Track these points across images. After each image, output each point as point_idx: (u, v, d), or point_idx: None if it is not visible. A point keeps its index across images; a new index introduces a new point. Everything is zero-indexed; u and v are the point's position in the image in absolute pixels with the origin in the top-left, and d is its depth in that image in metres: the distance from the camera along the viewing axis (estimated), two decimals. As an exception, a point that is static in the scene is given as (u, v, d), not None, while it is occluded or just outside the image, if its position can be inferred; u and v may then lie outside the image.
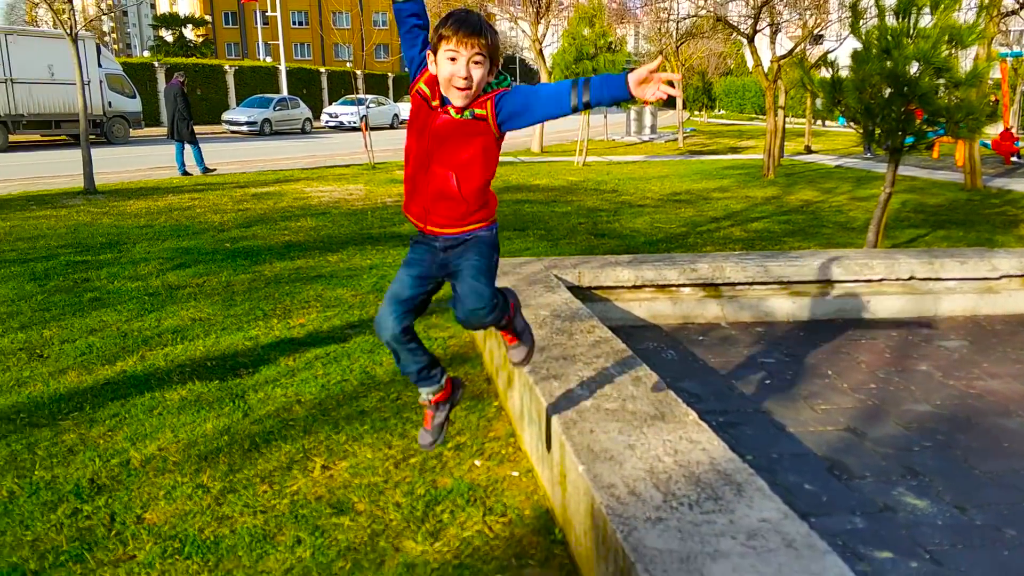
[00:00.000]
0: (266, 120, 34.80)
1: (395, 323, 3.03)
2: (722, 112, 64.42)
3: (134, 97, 30.19)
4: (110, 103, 28.68)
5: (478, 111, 2.69)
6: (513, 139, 31.80)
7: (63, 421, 4.60)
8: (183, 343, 5.97)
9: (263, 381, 5.19)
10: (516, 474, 3.96)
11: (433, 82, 2.73)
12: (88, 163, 14.28)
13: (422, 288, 3.09)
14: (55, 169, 18.74)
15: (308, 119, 37.61)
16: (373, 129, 25.98)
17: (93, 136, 14.91)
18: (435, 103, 2.73)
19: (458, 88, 2.63)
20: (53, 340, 6.03)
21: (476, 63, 2.58)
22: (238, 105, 39.61)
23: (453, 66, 2.59)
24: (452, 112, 2.72)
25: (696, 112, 54.55)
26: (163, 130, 32.96)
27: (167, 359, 5.61)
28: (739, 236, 10.55)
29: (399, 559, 3.26)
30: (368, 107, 34.90)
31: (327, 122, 39.71)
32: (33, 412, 4.72)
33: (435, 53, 2.66)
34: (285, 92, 44.25)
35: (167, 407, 4.77)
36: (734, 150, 26.73)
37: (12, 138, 25.94)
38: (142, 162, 20.98)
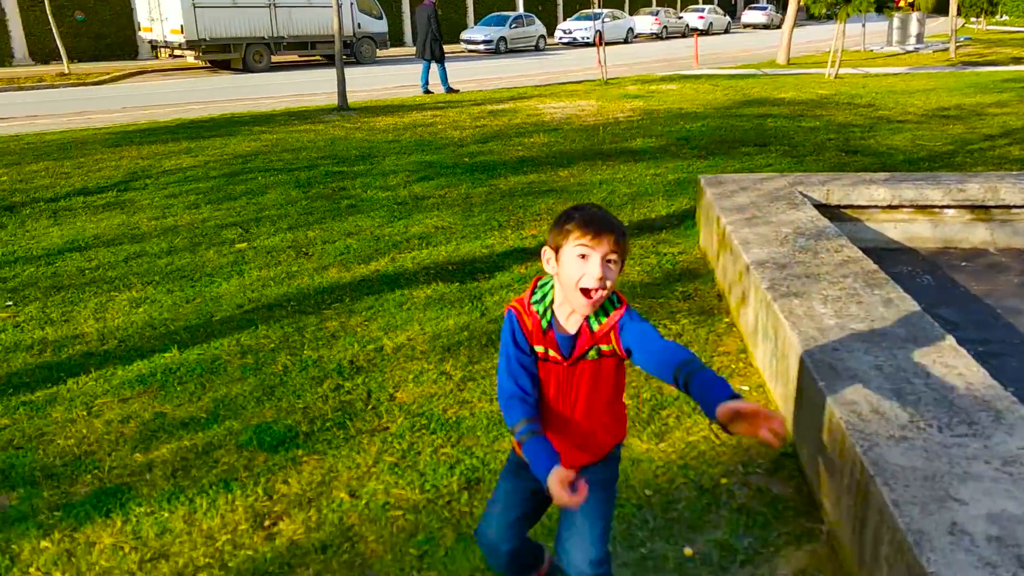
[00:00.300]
0: (502, 38, 35.47)
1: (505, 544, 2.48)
2: (1005, 18, 56.50)
3: (381, 19, 31.95)
4: (359, 24, 30.55)
5: (604, 347, 2.19)
6: (756, 51, 29.94)
7: (326, 310, 5.20)
8: (427, 248, 6.46)
9: (498, 285, 5.52)
10: (746, 388, 3.95)
11: (534, 329, 2.22)
12: (341, 81, 15.44)
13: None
14: (312, 88, 20.47)
15: (542, 36, 37.83)
16: (607, 44, 25.69)
17: (344, 56, 16.02)
18: (551, 353, 2.22)
19: (587, 292, 2.10)
20: (316, 240, 6.76)
21: (610, 263, 2.10)
22: (476, 24, 40.70)
23: (584, 265, 2.08)
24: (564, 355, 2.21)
25: (972, 19, 48.32)
26: (406, 50, 34.78)
27: (414, 261, 6.12)
28: (1017, 156, 9.41)
29: (624, 453, 3.41)
30: (603, 22, 34.48)
31: (561, 38, 39.72)
32: (301, 301, 5.37)
33: (557, 251, 2.14)
34: (521, 10, 44.77)
35: (414, 303, 5.24)
36: (1017, 60, 23.50)
37: (274, 59, 28.58)
38: (388, 81, 22.32)
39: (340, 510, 3.16)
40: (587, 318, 2.17)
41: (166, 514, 3.17)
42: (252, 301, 5.41)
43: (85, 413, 4.00)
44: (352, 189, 8.63)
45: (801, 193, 6.03)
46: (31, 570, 2.89)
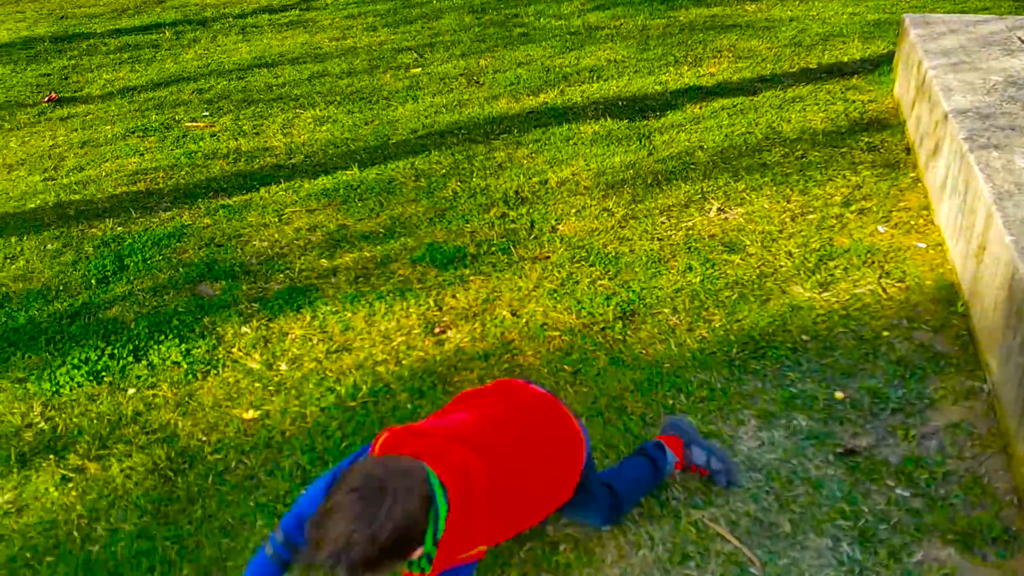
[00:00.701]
0: None
1: None
2: None
3: None
4: None
5: None
6: None
7: (494, 140, 5.39)
8: (598, 82, 6.44)
9: (668, 125, 5.49)
10: (923, 246, 3.85)
11: None
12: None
13: None
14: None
15: None
16: None
17: None
18: None
19: None
20: (487, 69, 6.88)
21: None
22: None
23: None
24: None
25: None
26: None
27: (583, 95, 6.14)
28: None
29: (785, 300, 3.48)
30: None
31: None
32: (471, 130, 5.58)
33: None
34: None
35: (581, 138, 5.33)
36: None
37: None
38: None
39: (502, 326, 3.46)
40: None
41: (349, 314, 3.58)
42: (425, 127, 5.67)
43: (276, 220, 4.47)
44: (525, 17, 8.58)
45: (1020, 39, 5.50)
46: (234, 351, 3.39)
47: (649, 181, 4.68)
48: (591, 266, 3.86)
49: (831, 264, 3.74)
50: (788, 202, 4.34)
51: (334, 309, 3.63)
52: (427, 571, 1.79)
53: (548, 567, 2.35)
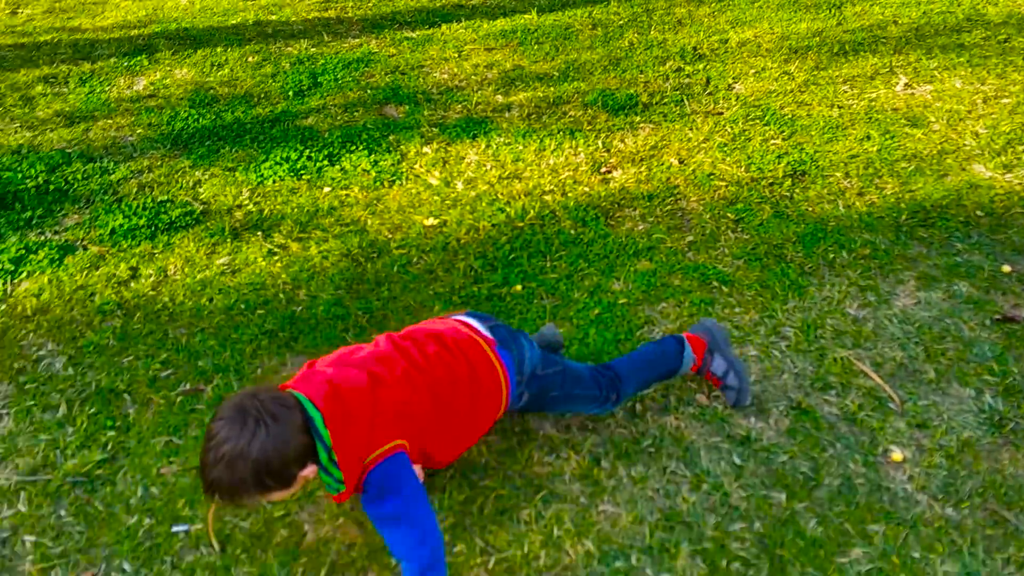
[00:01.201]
0: None
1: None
2: None
3: None
4: None
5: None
6: None
7: (676, -2, 5.44)
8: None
9: (864, -3, 5.36)
10: None
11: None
12: None
13: None
14: None
15: None
16: None
17: None
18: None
19: None
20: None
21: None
22: None
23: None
24: None
25: None
26: None
27: (773, -40, 6.02)
28: None
29: (963, 176, 3.50)
30: None
31: None
32: (652, -14, 5.63)
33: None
34: None
35: (767, 1, 5.27)
36: None
37: None
38: None
39: (668, 171, 3.64)
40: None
41: (520, 146, 3.85)
42: (605, -21, 5.76)
43: (456, 55, 4.74)
44: None
45: None
46: (416, 167, 3.73)
47: (835, 50, 4.64)
48: (765, 125, 3.95)
49: (1019, 149, 3.69)
50: (982, 84, 4.23)
51: (507, 141, 3.90)
52: (343, 485, 1.88)
53: (693, 379, 2.62)
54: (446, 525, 2.14)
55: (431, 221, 3.37)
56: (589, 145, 3.86)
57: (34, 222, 3.38)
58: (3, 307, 2.91)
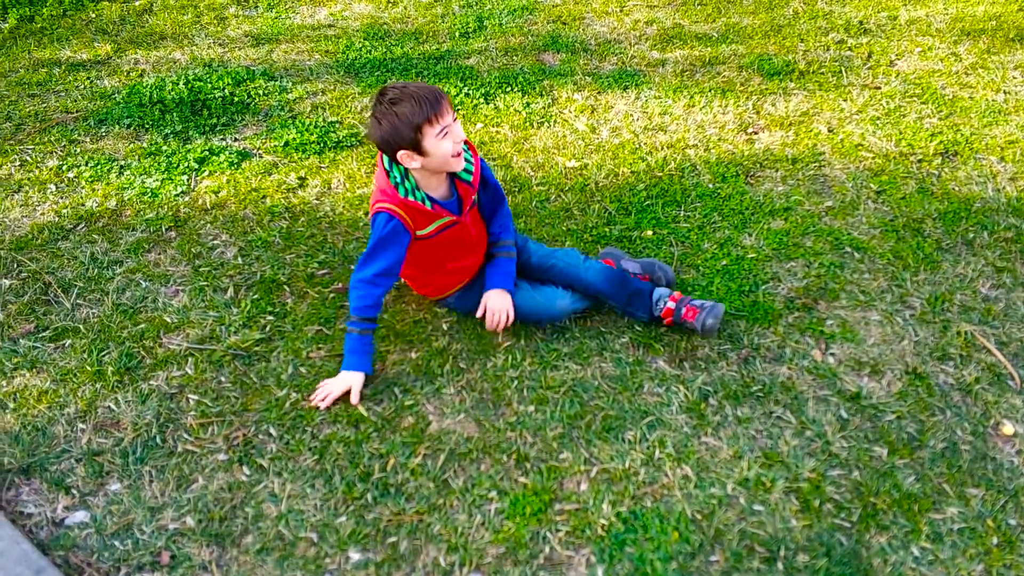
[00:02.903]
0: None
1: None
2: None
3: None
4: None
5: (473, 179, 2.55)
6: None
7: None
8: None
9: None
10: None
11: (418, 216, 2.43)
12: None
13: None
14: None
15: None
16: None
17: None
18: (445, 220, 2.49)
19: (460, 153, 2.38)
20: None
21: (456, 120, 2.36)
22: None
23: (449, 137, 2.31)
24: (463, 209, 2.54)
25: None
26: None
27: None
28: None
29: None
30: None
31: None
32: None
33: (417, 147, 2.29)
34: None
35: (946, -21, 5.06)
36: None
37: None
38: None
39: (815, 138, 3.61)
40: (453, 176, 2.48)
41: (669, 101, 3.89)
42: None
43: (618, 9, 4.79)
44: None
45: None
46: (564, 112, 3.85)
47: (1011, 35, 4.40)
48: (923, 104, 3.83)
49: None
50: None
51: (657, 95, 3.95)
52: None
53: (812, 335, 2.65)
54: (555, 434, 2.30)
55: (573, 163, 3.49)
56: (739, 106, 3.85)
57: (218, 129, 3.72)
58: (187, 199, 3.25)
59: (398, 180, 2.34)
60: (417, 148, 2.26)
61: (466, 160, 2.42)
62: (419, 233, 2.39)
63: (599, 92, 3.99)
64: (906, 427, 2.33)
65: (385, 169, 2.37)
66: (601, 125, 3.74)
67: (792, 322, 2.69)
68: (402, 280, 2.72)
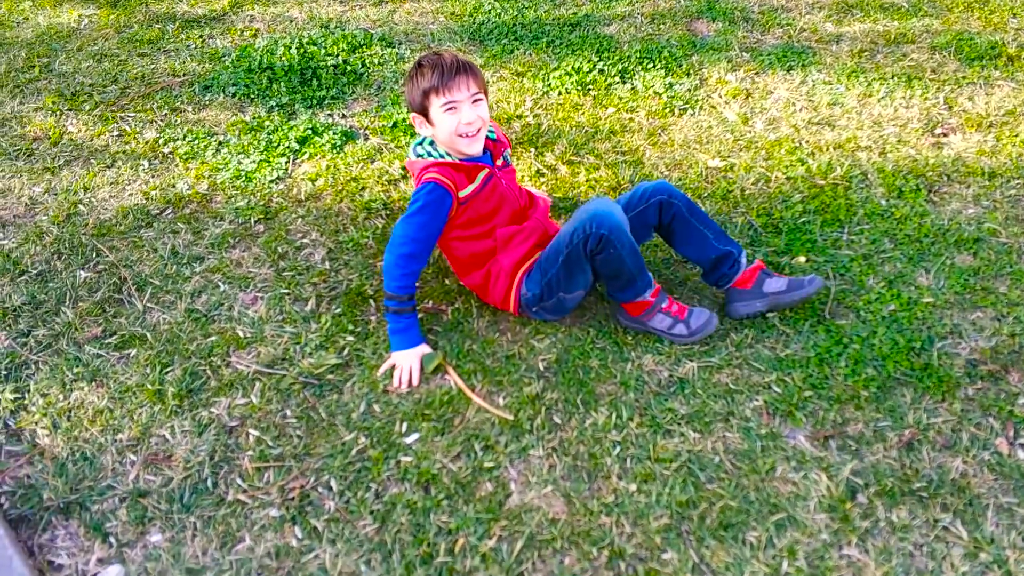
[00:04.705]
0: None
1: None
2: None
3: None
4: None
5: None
6: None
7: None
8: None
9: None
10: None
11: (457, 177, 2.36)
12: None
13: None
14: None
15: None
16: None
17: None
18: (483, 175, 2.39)
19: (468, 135, 2.33)
20: None
21: (477, 102, 2.33)
22: None
23: (457, 115, 2.30)
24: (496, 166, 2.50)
25: None
26: None
27: None
28: None
29: None
30: None
31: None
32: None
33: (425, 114, 2.36)
34: None
35: None
36: None
37: None
38: None
39: (1021, 147, 2.96)
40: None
41: (842, 88, 3.32)
42: None
43: (788, -30, 4.19)
44: None
45: None
46: (713, 97, 3.34)
47: None
48: None
49: None
50: None
51: (827, 79, 3.38)
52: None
53: (997, 416, 2.14)
54: (660, 525, 1.92)
55: (716, 162, 3.01)
56: (928, 98, 3.24)
57: (326, 102, 3.45)
58: (281, 187, 3.00)
59: (427, 152, 2.37)
60: (426, 115, 2.33)
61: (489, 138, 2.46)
62: (462, 194, 2.33)
63: (757, 73, 3.45)
64: (1123, 572, 1.82)
65: (416, 152, 2.43)
66: (756, 115, 3.22)
67: (973, 395, 2.17)
68: (476, 297, 2.48)
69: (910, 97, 3.25)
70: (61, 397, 2.25)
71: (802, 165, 2.95)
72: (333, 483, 2.02)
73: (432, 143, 2.38)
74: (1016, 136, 3.01)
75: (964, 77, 3.33)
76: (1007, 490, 1.96)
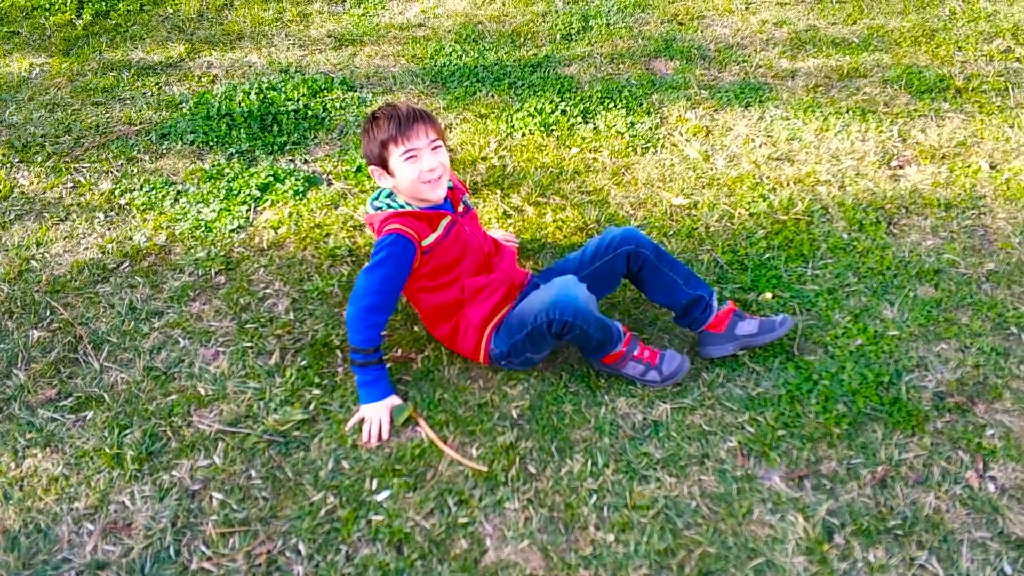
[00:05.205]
0: None
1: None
2: None
3: None
4: None
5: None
6: None
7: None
8: None
9: None
10: None
11: (419, 226, 2.33)
12: None
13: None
14: None
15: None
16: None
17: None
18: (445, 223, 2.36)
19: (431, 181, 2.31)
20: None
21: (436, 148, 2.33)
22: None
23: (417, 163, 2.28)
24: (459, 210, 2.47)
25: None
26: None
27: None
28: None
29: None
30: None
31: None
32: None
33: (384, 165, 2.33)
34: None
35: None
36: None
37: None
38: None
39: (974, 177, 3.02)
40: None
41: (799, 123, 3.35)
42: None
43: (743, 7, 4.24)
44: None
45: None
46: (675, 135, 3.35)
47: None
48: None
49: None
50: None
51: (784, 114, 3.41)
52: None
53: (966, 448, 2.15)
54: (637, 575, 1.89)
55: (680, 200, 3.01)
56: (882, 131, 3.28)
57: (288, 148, 3.40)
58: (243, 236, 2.94)
59: (386, 204, 2.35)
60: (385, 167, 2.31)
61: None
62: (425, 243, 2.29)
63: (716, 110, 3.48)
64: (1100, 605, 1.81)
65: (374, 207, 2.40)
66: (716, 152, 3.25)
67: (942, 428, 2.17)
68: (447, 349, 2.43)
69: (865, 130, 3.29)
70: (13, 465, 2.16)
71: (764, 201, 2.97)
72: (301, 546, 1.95)
73: (390, 195, 2.37)
74: (968, 167, 3.06)
75: (915, 110, 3.39)
76: (979, 524, 1.95)
